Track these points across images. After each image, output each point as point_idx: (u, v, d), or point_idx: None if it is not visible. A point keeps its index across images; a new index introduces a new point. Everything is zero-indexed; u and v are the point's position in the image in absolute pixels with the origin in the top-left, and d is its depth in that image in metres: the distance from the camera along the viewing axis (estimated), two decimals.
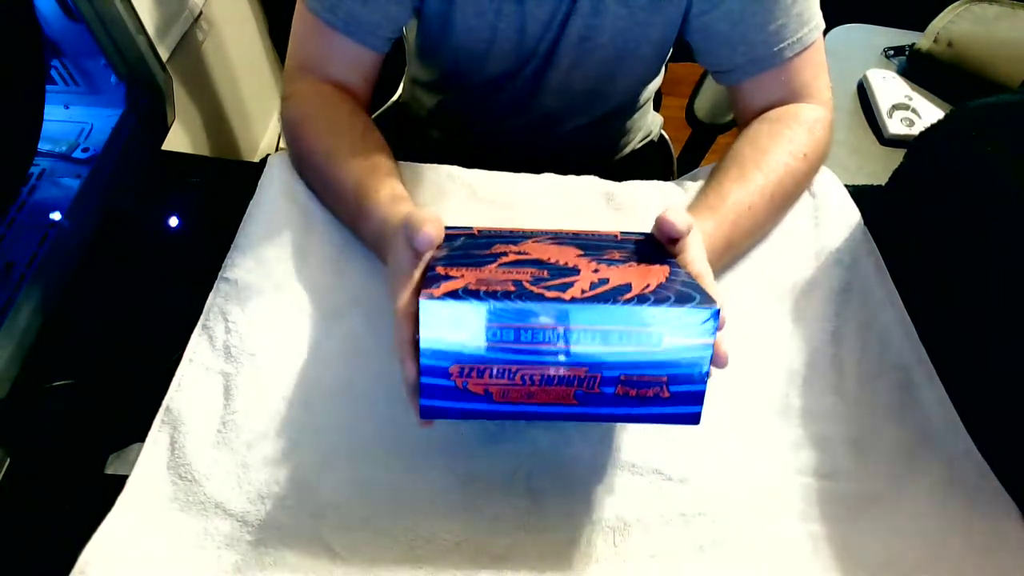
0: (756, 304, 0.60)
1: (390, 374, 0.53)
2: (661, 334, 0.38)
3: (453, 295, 0.37)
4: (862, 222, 0.65)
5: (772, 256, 0.62)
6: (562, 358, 0.38)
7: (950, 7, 0.99)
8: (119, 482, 0.47)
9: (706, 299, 0.38)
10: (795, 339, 0.58)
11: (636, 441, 0.51)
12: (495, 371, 0.38)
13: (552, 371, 0.38)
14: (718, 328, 0.38)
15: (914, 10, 1.03)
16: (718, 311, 0.37)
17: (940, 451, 0.53)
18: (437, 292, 0.37)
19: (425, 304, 0.37)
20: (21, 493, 0.48)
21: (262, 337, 0.54)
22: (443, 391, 0.38)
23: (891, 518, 0.49)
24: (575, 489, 0.49)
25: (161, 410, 0.50)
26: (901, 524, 0.49)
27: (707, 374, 0.38)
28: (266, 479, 0.48)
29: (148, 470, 0.48)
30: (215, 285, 0.57)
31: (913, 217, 0.64)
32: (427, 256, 0.44)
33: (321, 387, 0.53)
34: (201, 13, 1.18)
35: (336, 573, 0.44)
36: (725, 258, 0.58)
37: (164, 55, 1.03)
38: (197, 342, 0.54)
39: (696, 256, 0.45)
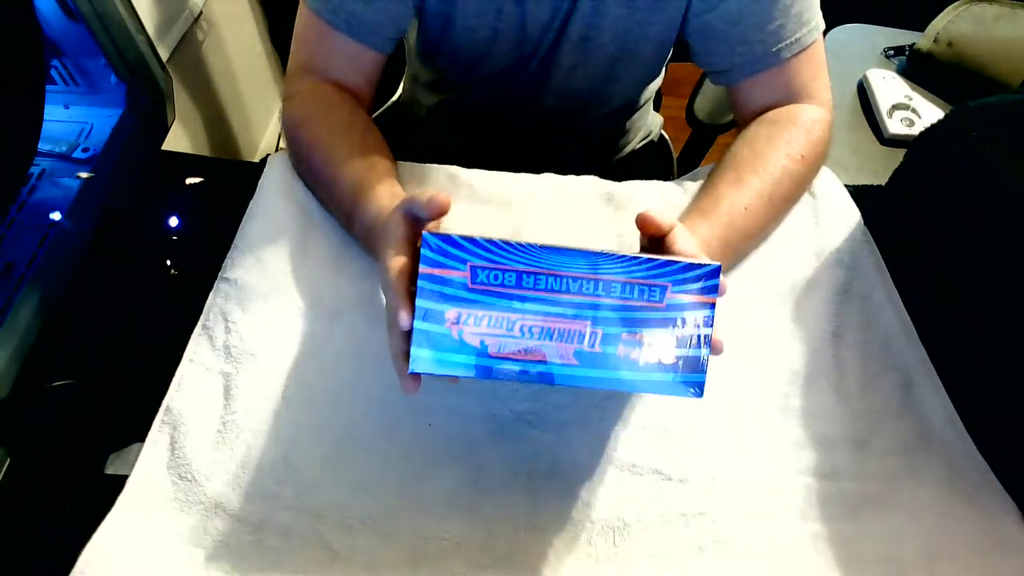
0: (756, 304, 0.60)
1: (390, 373, 0.53)
2: (664, 287, 0.37)
3: (458, 235, 0.36)
4: (862, 222, 0.65)
5: (772, 256, 0.62)
6: (563, 310, 0.37)
7: (950, 7, 0.99)
8: (119, 482, 0.47)
9: (706, 261, 0.38)
10: (795, 339, 0.58)
11: (636, 441, 0.51)
12: (493, 319, 0.37)
13: (552, 323, 0.37)
14: (719, 291, 0.37)
15: (914, 10, 1.03)
16: (719, 267, 0.37)
17: (940, 451, 0.53)
18: (441, 232, 0.37)
19: (428, 238, 0.36)
20: (21, 493, 0.48)
21: (262, 337, 0.54)
22: (437, 339, 0.37)
23: (891, 518, 0.49)
24: (575, 489, 0.49)
25: (161, 410, 0.50)
26: (901, 524, 0.49)
27: (710, 339, 0.38)
28: (266, 479, 0.48)
29: (148, 470, 0.48)
30: (215, 285, 0.57)
31: (913, 217, 0.64)
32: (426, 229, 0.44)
33: (321, 387, 0.53)
34: (201, 13, 1.18)
35: (336, 573, 0.44)
36: (725, 261, 0.58)
37: (164, 55, 1.03)
38: (197, 342, 0.54)
39: (686, 247, 0.45)
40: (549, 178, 0.68)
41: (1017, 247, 0.52)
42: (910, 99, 0.94)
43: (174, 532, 0.45)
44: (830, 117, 0.65)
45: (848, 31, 1.10)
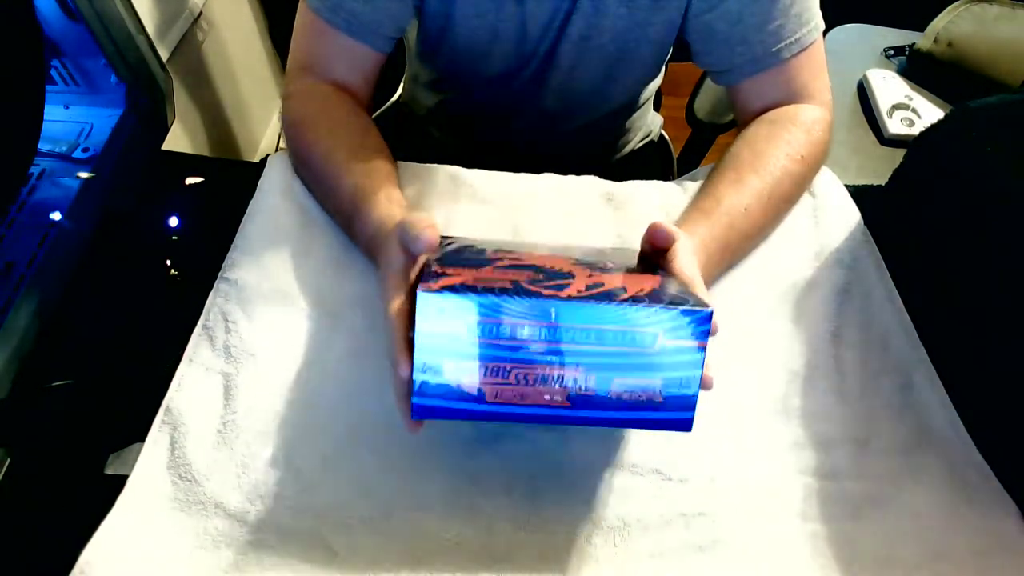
0: (756, 304, 0.59)
1: (391, 374, 0.53)
2: (655, 335, 0.38)
3: (451, 289, 0.37)
4: (862, 222, 0.65)
5: (772, 256, 0.62)
6: (556, 358, 0.38)
7: (950, 7, 0.99)
8: (119, 482, 0.47)
9: (699, 303, 0.38)
10: (795, 339, 0.58)
11: (636, 441, 0.51)
12: (489, 369, 0.38)
13: (546, 371, 0.38)
14: (711, 333, 0.38)
15: (914, 10, 1.03)
16: (711, 313, 0.38)
17: (940, 451, 0.53)
18: (435, 286, 0.37)
19: (423, 296, 0.37)
20: (21, 493, 0.48)
21: (262, 337, 0.54)
22: (436, 389, 0.38)
23: (891, 518, 0.49)
24: (575, 489, 0.49)
25: (161, 410, 0.50)
26: (901, 524, 0.49)
27: (700, 380, 0.39)
28: (266, 479, 0.48)
29: (148, 470, 0.48)
30: (215, 285, 0.57)
31: (913, 217, 0.64)
32: (421, 260, 0.44)
33: (321, 387, 0.53)
34: (201, 13, 1.18)
35: (336, 573, 0.44)
36: (724, 261, 0.58)
37: (164, 55, 1.03)
38: (197, 342, 0.54)
39: (685, 263, 0.45)
40: (549, 178, 0.68)
41: (1017, 247, 0.52)
42: (910, 99, 0.94)
43: (174, 532, 0.45)
44: (830, 117, 0.66)
45: (848, 31, 1.10)
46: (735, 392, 0.54)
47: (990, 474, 0.51)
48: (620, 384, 0.38)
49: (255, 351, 0.53)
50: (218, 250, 0.59)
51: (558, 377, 0.38)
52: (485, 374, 0.38)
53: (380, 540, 0.46)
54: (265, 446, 0.49)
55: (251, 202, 0.62)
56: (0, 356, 0.52)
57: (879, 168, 0.87)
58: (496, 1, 0.65)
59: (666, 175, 1.01)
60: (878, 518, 0.49)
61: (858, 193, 0.68)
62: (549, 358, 0.38)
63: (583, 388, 0.38)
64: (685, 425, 0.39)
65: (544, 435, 0.51)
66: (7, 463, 0.49)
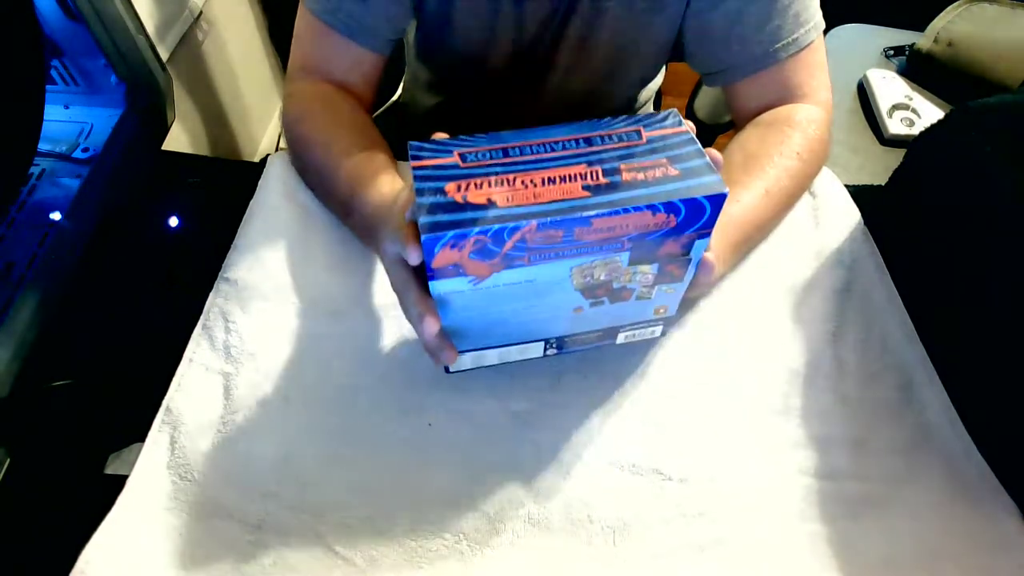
0: (756, 304, 0.59)
1: (391, 374, 0.53)
2: (638, 132, 0.41)
3: (439, 137, 0.40)
4: (862, 222, 0.65)
5: (772, 256, 0.62)
6: (556, 162, 0.39)
7: (950, 7, 0.99)
8: (119, 482, 0.47)
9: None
10: (795, 339, 0.58)
11: (636, 441, 0.51)
12: (493, 181, 0.38)
13: (551, 172, 0.39)
14: (696, 142, 0.41)
15: (914, 10, 1.03)
16: (675, 111, 0.42)
17: (940, 451, 0.53)
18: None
19: (412, 143, 0.40)
20: (21, 493, 0.48)
21: (262, 337, 0.54)
22: (443, 207, 0.37)
23: (891, 518, 0.49)
24: (575, 489, 0.49)
25: (161, 410, 0.50)
26: (901, 524, 0.49)
27: (703, 154, 0.40)
28: (266, 479, 0.48)
29: (148, 470, 0.48)
30: (215, 285, 0.57)
31: (913, 217, 0.64)
32: None
33: (321, 387, 0.53)
34: (201, 13, 1.18)
35: (336, 573, 0.44)
36: (729, 261, 0.58)
37: (164, 55, 1.03)
38: (197, 342, 0.54)
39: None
40: None
41: (1017, 247, 0.52)
42: (910, 99, 0.94)
43: (174, 532, 0.45)
44: (828, 116, 0.65)
45: (848, 31, 1.10)
46: (735, 392, 0.54)
47: (990, 474, 0.51)
48: (629, 168, 0.39)
49: (255, 351, 0.53)
50: (218, 250, 0.59)
51: (565, 176, 0.38)
52: (490, 186, 0.38)
53: (380, 540, 0.46)
54: (265, 446, 0.49)
55: (251, 202, 0.62)
56: (0, 356, 0.52)
57: (879, 168, 0.87)
58: (494, 2, 0.65)
59: None
60: (878, 518, 0.49)
61: (858, 193, 0.68)
62: (547, 163, 0.39)
63: (594, 178, 0.38)
64: (716, 188, 0.38)
65: (544, 435, 0.51)
66: (7, 463, 0.49)
